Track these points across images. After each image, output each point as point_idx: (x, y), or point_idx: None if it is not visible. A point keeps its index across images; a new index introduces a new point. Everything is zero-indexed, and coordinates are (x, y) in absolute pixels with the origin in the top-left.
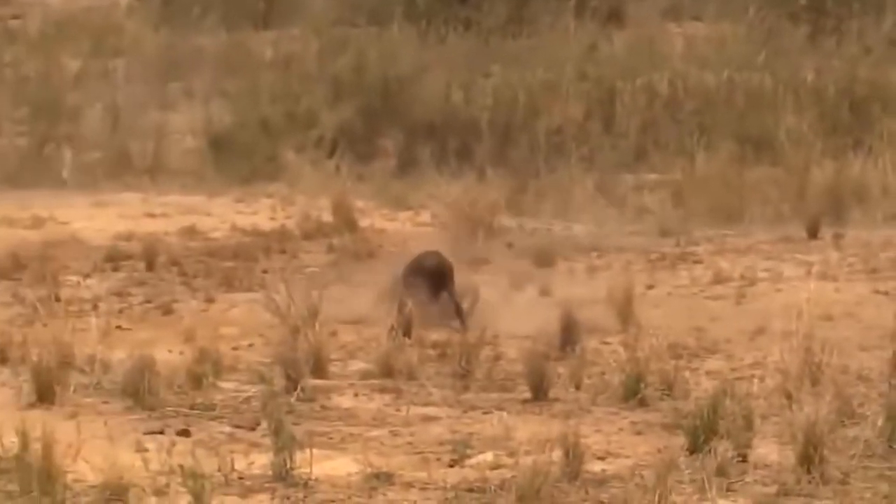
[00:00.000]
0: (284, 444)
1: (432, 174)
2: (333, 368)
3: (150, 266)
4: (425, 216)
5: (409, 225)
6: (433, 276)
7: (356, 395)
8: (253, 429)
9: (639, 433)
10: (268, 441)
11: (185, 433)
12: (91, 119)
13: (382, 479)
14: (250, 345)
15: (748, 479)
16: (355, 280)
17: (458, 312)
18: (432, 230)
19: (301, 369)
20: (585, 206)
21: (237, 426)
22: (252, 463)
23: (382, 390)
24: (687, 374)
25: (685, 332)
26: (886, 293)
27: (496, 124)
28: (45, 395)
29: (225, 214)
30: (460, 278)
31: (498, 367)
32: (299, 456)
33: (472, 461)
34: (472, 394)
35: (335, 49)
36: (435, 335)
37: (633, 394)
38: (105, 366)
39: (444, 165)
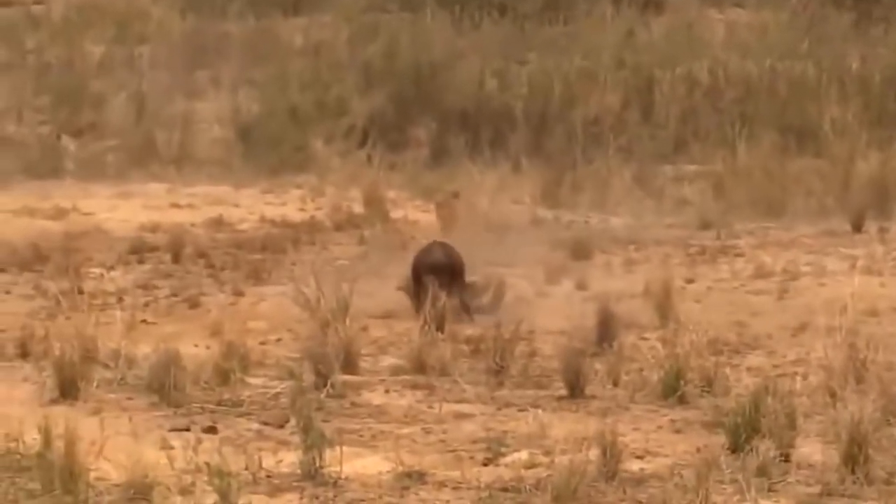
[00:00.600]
0: (314, 441)
1: (465, 164)
2: (364, 364)
3: (176, 258)
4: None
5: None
6: (439, 271)
7: (387, 391)
8: (281, 426)
9: (678, 431)
10: (296, 439)
11: (211, 430)
12: (115, 107)
13: (414, 478)
14: (279, 339)
15: (790, 479)
16: (387, 273)
17: (465, 308)
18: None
19: (331, 365)
20: (623, 197)
21: (265, 423)
22: (280, 461)
23: (414, 386)
24: (727, 370)
25: (726, 328)
26: None
27: (531, 113)
28: (67, 390)
29: (253, 205)
30: (491, 272)
31: (533, 363)
32: (329, 454)
33: (507, 460)
34: (506, 390)
35: (366, 36)
36: (469, 330)
37: (672, 391)
38: (129, 361)
39: (478, 155)
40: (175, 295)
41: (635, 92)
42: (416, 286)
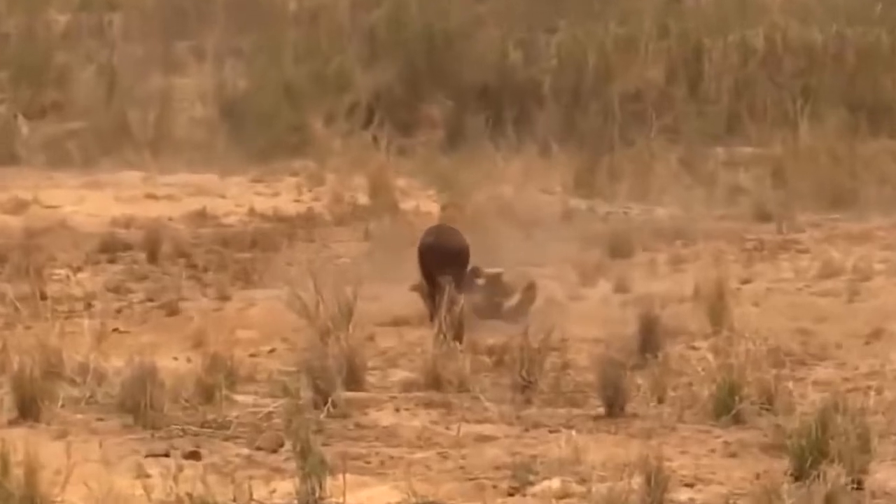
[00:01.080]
0: (312, 468)
1: (487, 148)
2: (370, 378)
3: (153, 257)
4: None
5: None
6: (440, 258)
7: (397, 410)
8: (275, 451)
9: (733, 455)
10: (292, 465)
11: (194, 456)
12: (82, 84)
13: None
14: (271, 351)
15: None
16: (395, 273)
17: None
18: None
19: (332, 379)
20: (668, 185)
21: (256, 447)
22: (274, 491)
23: (429, 405)
24: (790, 385)
25: (788, 336)
26: None
27: (562, 89)
28: (28, 410)
29: (241, 196)
30: (517, 272)
31: (566, 376)
32: (330, 483)
33: (536, 489)
34: (534, 409)
35: None
36: (491, 339)
37: (726, 409)
38: (99, 376)
39: (501, 138)
40: (151, 300)
41: (681, 63)
42: (430, 285)
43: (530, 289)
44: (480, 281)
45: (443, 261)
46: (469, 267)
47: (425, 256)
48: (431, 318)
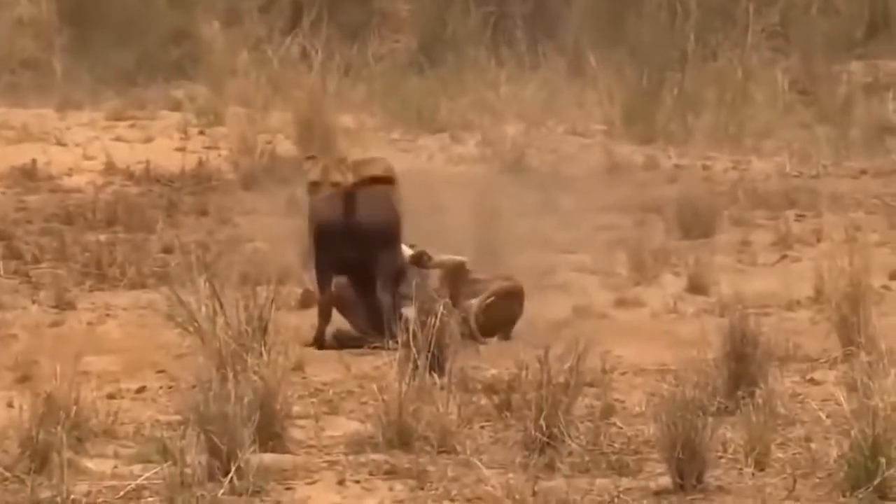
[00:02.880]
0: None
1: (483, 63)
2: (298, 433)
3: None
4: (470, 144)
5: (439, 160)
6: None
7: (341, 482)
8: None
9: None
10: None
11: None
12: None
13: None
14: (140, 389)
15: None
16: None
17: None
18: (482, 170)
19: (237, 435)
20: (773, 122)
21: None
22: None
23: (391, 474)
24: None
25: None
26: None
27: None
28: None
29: (92, 143)
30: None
31: (609, 428)
32: None
33: None
34: (560, 479)
35: None
36: (491, 368)
37: (866, 476)
38: None
39: (506, 46)
40: None
41: None
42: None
43: (511, 295)
44: (432, 275)
45: (363, 242)
46: (405, 250)
47: (329, 238)
48: (318, 342)
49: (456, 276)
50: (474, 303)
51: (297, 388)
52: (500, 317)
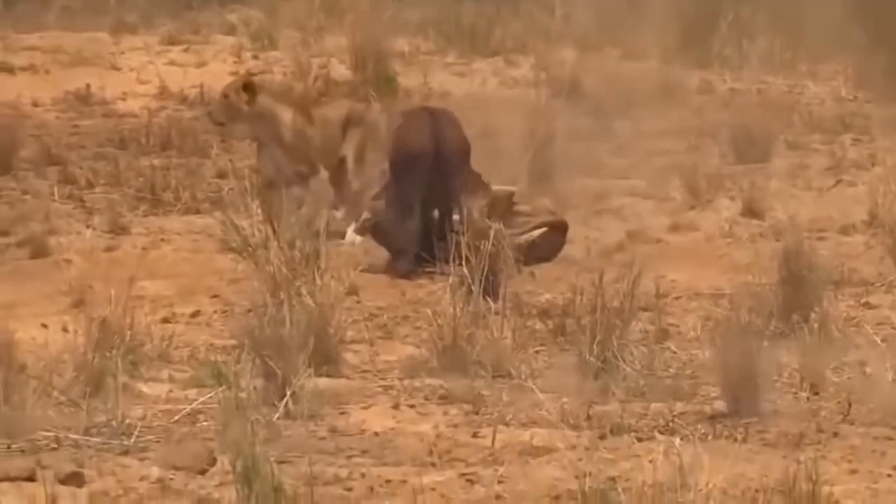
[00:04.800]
0: (260, 498)
1: None
2: (352, 357)
3: (5, 165)
4: (524, 68)
5: (492, 84)
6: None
7: (395, 406)
8: (202, 471)
9: None
10: (230, 494)
11: (74, 479)
12: None
13: None
14: (195, 314)
15: None
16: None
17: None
18: (536, 94)
19: (291, 360)
20: (832, 39)
21: (174, 467)
22: None
23: (445, 398)
24: None
25: None
26: None
27: None
28: None
29: (146, 68)
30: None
31: (663, 353)
32: None
33: None
34: (615, 404)
35: None
36: (545, 293)
37: None
38: None
39: None
40: (5, 234)
41: None
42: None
43: (555, 230)
44: (479, 202)
45: (445, 164)
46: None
47: (418, 161)
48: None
49: (503, 207)
50: (521, 237)
51: (352, 313)
52: (542, 251)
